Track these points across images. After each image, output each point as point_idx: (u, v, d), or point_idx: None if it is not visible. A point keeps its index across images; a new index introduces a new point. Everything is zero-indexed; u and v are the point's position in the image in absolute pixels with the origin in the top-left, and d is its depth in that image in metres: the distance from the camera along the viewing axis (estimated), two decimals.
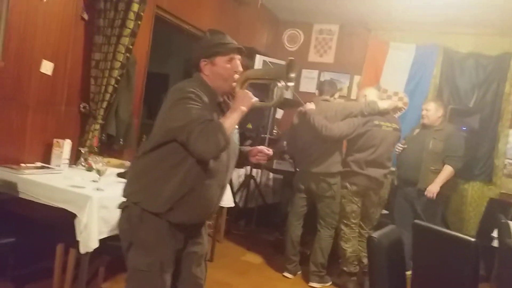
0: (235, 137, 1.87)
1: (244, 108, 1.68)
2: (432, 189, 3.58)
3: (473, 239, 1.86)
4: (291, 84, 1.73)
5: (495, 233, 3.20)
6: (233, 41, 1.80)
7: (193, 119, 1.57)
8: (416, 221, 2.14)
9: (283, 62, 4.88)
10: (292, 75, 1.74)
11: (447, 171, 3.62)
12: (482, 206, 4.31)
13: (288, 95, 4.64)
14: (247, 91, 1.76)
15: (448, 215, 4.50)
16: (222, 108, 1.79)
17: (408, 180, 3.76)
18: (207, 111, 1.64)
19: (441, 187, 3.59)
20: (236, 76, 1.77)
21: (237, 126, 1.80)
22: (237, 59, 1.79)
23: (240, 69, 1.78)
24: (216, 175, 1.73)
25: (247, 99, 1.71)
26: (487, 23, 4.34)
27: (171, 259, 1.73)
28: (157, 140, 1.68)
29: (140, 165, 1.75)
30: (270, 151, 1.88)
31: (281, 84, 1.77)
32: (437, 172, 3.63)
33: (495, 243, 3.22)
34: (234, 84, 1.77)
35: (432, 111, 3.77)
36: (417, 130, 3.91)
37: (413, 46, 4.76)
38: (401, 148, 3.80)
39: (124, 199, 1.74)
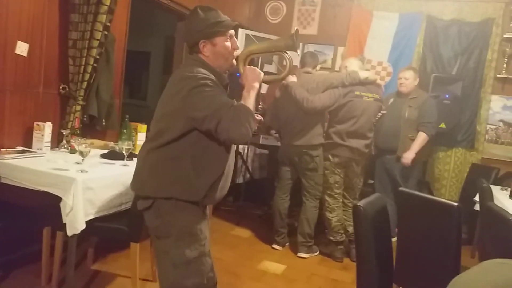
0: None
1: (257, 85, 1.68)
2: (408, 156, 3.69)
3: (455, 204, 1.90)
4: (298, 54, 1.77)
5: (477, 197, 3.28)
6: (227, 17, 1.75)
7: (220, 106, 1.55)
8: (401, 188, 2.18)
9: (266, 35, 4.79)
10: (298, 45, 1.74)
11: (421, 138, 3.72)
12: (465, 171, 4.40)
13: (272, 68, 4.60)
14: (254, 67, 1.75)
15: (431, 181, 4.59)
16: (227, 89, 1.77)
17: (386, 148, 3.84)
18: (225, 96, 1.63)
19: (417, 153, 3.69)
20: (236, 52, 1.74)
21: None
22: (233, 35, 1.75)
23: (238, 45, 1.75)
24: (232, 155, 1.78)
25: (257, 75, 1.70)
26: None
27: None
28: (175, 132, 1.62)
29: (157, 159, 1.67)
30: (259, 116, 1.86)
31: (288, 55, 1.77)
32: (414, 139, 3.72)
33: (477, 207, 3.31)
34: (234, 61, 1.75)
35: (411, 80, 3.81)
36: (391, 99, 3.94)
37: (397, 15, 4.72)
38: (379, 115, 3.78)
39: (144, 198, 1.70)
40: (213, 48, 1.70)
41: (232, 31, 1.74)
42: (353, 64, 3.59)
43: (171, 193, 1.64)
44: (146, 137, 1.80)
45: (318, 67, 3.65)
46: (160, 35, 6.11)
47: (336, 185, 3.52)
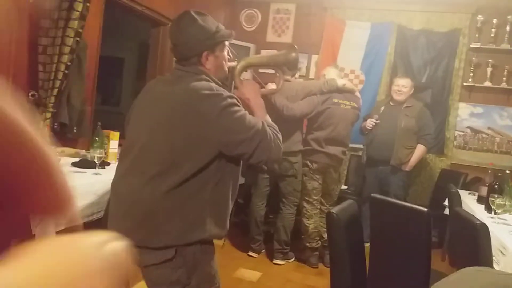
0: None
1: (261, 100, 1.63)
2: (410, 167, 3.77)
3: (425, 209, 1.95)
4: (298, 70, 1.77)
5: (446, 202, 3.38)
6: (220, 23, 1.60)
7: (256, 127, 1.43)
8: (373, 194, 2.22)
9: (242, 43, 4.79)
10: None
11: (420, 150, 3.77)
12: (435, 177, 4.52)
13: (247, 76, 4.62)
14: (251, 81, 1.71)
15: None
16: None
17: (379, 159, 3.84)
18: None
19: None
20: (231, 63, 1.63)
21: None
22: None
23: (231, 54, 1.63)
24: None
25: (258, 90, 1.65)
26: (438, 1, 4.47)
27: None
28: (200, 161, 1.40)
29: (179, 199, 1.41)
30: None
31: (283, 69, 1.78)
32: (409, 148, 3.75)
33: (447, 211, 3.40)
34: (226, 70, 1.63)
35: (408, 88, 3.83)
36: (382, 107, 3.96)
37: (369, 24, 4.83)
38: (373, 124, 3.84)
39: (159, 249, 1.41)
40: (215, 60, 1.53)
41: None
42: (330, 73, 3.66)
43: (199, 236, 1.43)
44: (137, 170, 1.46)
45: (297, 75, 3.69)
46: (133, 41, 6.06)
47: (314, 191, 3.56)
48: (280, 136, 1.52)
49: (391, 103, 3.94)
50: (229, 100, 1.42)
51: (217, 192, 1.47)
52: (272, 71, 3.91)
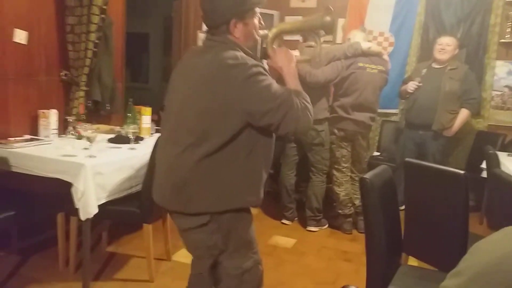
0: None
1: (295, 68, 1.56)
2: (452, 133, 3.63)
3: (462, 172, 1.91)
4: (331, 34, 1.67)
5: (484, 165, 3.29)
6: None
7: (284, 96, 1.40)
8: (407, 159, 2.19)
9: (265, 11, 4.70)
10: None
11: (464, 115, 3.60)
12: (471, 139, 4.39)
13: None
14: (285, 48, 1.59)
15: None
16: None
17: (420, 123, 3.70)
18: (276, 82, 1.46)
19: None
20: (263, 32, 1.55)
21: None
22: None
23: (262, 22, 1.55)
24: None
25: (291, 57, 1.55)
26: None
27: None
28: (227, 131, 1.40)
29: (211, 169, 1.44)
30: None
31: (320, 34, 1.66)
32: (453, 113, 3.59)
33: (484, 174, 3.32)
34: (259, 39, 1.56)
35: (452, 46, 3.60)
36: (424, 70, 3.76)
37: None
38: (415, 86, 3.67)
39: (194, 215, 1.48)
40: (245, 29, 1.47)
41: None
42: (356, 36, 3.54)
43: (232, 204, 1.48)
44: (173, 139, 1.49)
45: (321, 41, 3.59)
46: (157, 15, 6.04)
47: (343, 159, 3.53)
48: (310, 106, 1.47)
49: (433, 65, 3.74)
50: (254, 69, 1.39)
51: (250, 162, 1.47)
52: (297, 37, 3.86)
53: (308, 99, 1.49)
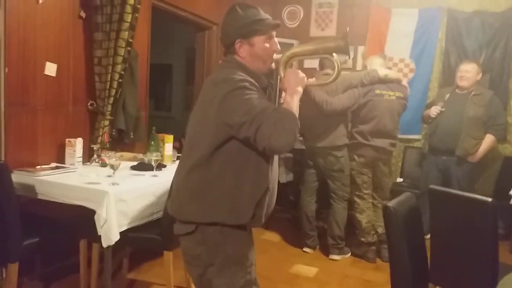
0: None
1: (301, 90, 1.51)
2: (476, 159, 3.55)
3: (489, 199, 1.85)
4: (349, 57, 1.61)
5: None
6: (268, 16, 1.58)
7: (260, 110, 1.38)
8: (431, 186, 2.14)
9: (285, 40, 4.79)
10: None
11: (490, 140, 3.52)
12: (498, 165, 4.26)
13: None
14: (297, 70, 1.57)
15: None
16: (266, 93, 1.61)
17: (443, 148, 3.63)
18: (265, 99, 1.47)
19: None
20: (276, 56, 1.58)
21: None
22: (274, 36, 1.59)
23: (279, 47, 1.59)
24: (275, 164, 1.61)
25: (301, 79, 1.52)
26: None
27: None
28: (209, 144, 1.46)
29: (196, 180, 1.51)
30: None
31: (335, 58, 1.60)
32: (477, 138, 3.52)
33: None
34: (273, 65, 1.59)
35: (473, 73, 3.57)
36: (447, 95, 3.73)
37: (416, 11, 4.64)
38: (438, 111, 3.64)
39: (183, 222, 1.55)
40: (250, 49, 1.54)
41: (274, 32, 1.58)
42: (374, 63, 3.55)
43: (216, 218, 1.49)
44: (182, 153, 1.64)
45: (339, 65, 3.62)
46: (180, 46, 6.23)
47: (364, 185, 3.48)
48: (291, 127, 1.39)
49: (457, 91, 3.71)
50: (238, 84, 1.43)
51: (237, 180, 1.48)
52: (315, 66, 3.88)
53: (294, 121, 1.42)
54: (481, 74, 3.64)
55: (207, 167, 1.48)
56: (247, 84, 1.44)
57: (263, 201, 1.54)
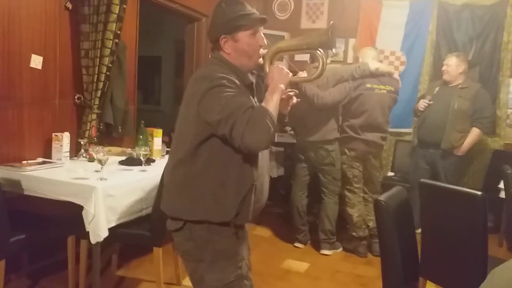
0: None
1: (283, 87, 1.49)
2: (462, 151, 3.56)
3: (479, 193, 1.85)
4: (334, 51, 1.56)
5: (501, 185, 3.20)
6: (254, 10, 1.56)
7: (235, 108, 1.37)
8: (422, 179, 2.14)
9: (275, 32, 4.75)
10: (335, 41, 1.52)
11: (475, 134, 3.52)
12: (487, 158, 4.29)
13: (283, 64, 4.57)
14: (282, 66, 1.55)
15: None
16: (253, 89, 1.59)
17: (430, 141, 3.66)
18: (244, 97, 1.46)
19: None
20: (262, 51, 1.56)
21: None
22: (261, 31, 1.56)
23: (265, 42, 1.56)
24: (264, 161, 1.60)
25: (284, 76, 1.50)
26: None
27: (248, 258, 1.66)
28: (192, 141, 1.47)
29: (181, 176, 1.52)
30: (294, 91, 1.67)
31: (320, 53, 1.56)
32: (462, 132, 3.54)
33: (503, 194, 3.22)
34: (260, 59, 1.57)
35: (453, 67, 3.61)
36: (437, 88, 3.77)
37: (407, 3, 4.63)
38: (426, 105, 3.66)
39: (173, 218, 1.56)
40: (234, 45, 1.53)
41: (259, 26, 1.55)
42: (366, 55, 3.53)
43: (201, 216, 1.50)
44: (171, 147, 1.65)
45: (328, 60, 3.60)
46: (169, 38, 6.15)
47: (355, 179, 3.48)
48: (265, 124, 1.36)
49: (444, 84, 3.74)
50: (217, 82, 1.43)
51: (221, 176, 1.49)
52: (306, 58, 3.85)
53: (270, 121, 1.39)
54: (463, 67, 3.65)
55: (191, 163, 1.49)
56: (225, 81, 1.44)
57: (248, 199, 1.52)
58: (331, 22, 1.55)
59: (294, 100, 1.66)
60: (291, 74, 1.54)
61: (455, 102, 3.55)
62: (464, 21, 4.42)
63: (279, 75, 1.51)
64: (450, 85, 3.68)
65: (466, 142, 3.54)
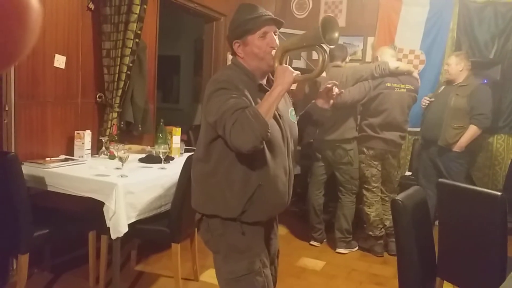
0: (290, 114, 1.72)
1: (284, 86, 1.48)
2: (459, 148, 3.51)
3: (499, 193, 1.83)
4: (331, 46, 1.47)
5: None
6: (266, 12, 1.59)
7: (225, 110, 1.42)
8: (441, 179, 2.12)
9: (294, 31, 4.77)
10: (335, 34, 1.47)
11: (472, 131, 3.48)
12: (508, 158, 4.21)
13: (300, 64, 4.57)
14: (287, 65, 1.54)
15: (473, 170, 4.42)
16: (267, 91, 1.56)
17: (430, 138, 3.66)
18: (244, 99, 1.48)
19: (466, 146, 3.50)
20: (274, 51, 1.56)
21: (288, 102, 1.73)
22: (272, 32, 1.58)
23: (277, 43, 1.58)
24: (278, 162, 1.60)
25: (287, 75, 1.49)
26: None
27: (266, 254, 1.66)
28: (205, 140, 1.57)
29: (198, 172, 1.63)
30: (333, 83, 1.69)
31: (322, 49, 1.52)
32: (458, 129, 3.53)
33: None
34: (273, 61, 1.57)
35: (453, 65, 3.59)
36: (442, 87, 3.76)
37: (427, 1, 4.57)
38: (427, 102, 3.66)
39: (196, 212, 1.67)
40: (245, 48, 1.59)
41: (272, 28, 1.58)
42: (385, 54, 3.51)
43: (213, 211, 1.58)
44: None
45: (347, 59, 3.59)
46: (188, 38, 6.20)
47: (374, 178, 3.46)
48: (251, 125, 1.37)
49: (447, 83, 3.72)
50: (219, 85, 1.50)
51: (228, 175, 1.55)
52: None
53: (258, 122, 1.38)
54: (462, 65, 3.57)
55: (205, 161, 1.59)
56: (225, 84, 1.50)
57: (256, 198, 1.54)
58: (324, 15, 1.51)
59: (335, 91, 1.71)
60: (296, 73, 1.51)
61: (451, 99, 3.54)
62: (487, 18, 4.34)
63: (282, 74, 1.51)
64: (452, 84, 3.66)
65: (463, 138, 3.50)
